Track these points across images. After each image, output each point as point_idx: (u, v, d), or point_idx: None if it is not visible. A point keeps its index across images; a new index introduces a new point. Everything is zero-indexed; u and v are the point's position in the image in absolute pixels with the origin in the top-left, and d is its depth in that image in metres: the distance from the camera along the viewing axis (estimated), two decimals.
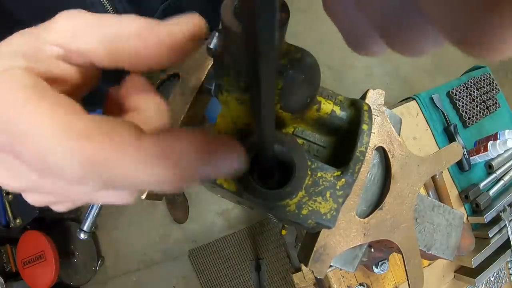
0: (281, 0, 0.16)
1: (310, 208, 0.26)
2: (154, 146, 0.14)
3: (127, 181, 0.14)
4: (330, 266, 0.39)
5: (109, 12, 0.43)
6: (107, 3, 0.43)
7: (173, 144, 0.14)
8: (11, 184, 0.16)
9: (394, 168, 0.42)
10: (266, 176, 0.24)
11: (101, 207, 0.46)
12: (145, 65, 0.17)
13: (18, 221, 1.47)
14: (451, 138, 1.12)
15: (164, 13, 0.51)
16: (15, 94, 0.14)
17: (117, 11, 0.44)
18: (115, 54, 0.17)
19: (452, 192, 1.10)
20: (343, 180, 0.27)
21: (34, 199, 0.19)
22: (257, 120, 0.15)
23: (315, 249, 0.37)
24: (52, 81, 0.16)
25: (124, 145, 0.13)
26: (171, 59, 0.17)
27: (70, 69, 0.17)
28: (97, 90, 0.19)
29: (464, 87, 1.19)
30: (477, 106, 1.19)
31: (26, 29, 0.17)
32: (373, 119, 0.41)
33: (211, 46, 0.23)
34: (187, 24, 0.17)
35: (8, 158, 0.15)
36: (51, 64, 0.16)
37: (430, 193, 1.06)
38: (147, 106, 0.18)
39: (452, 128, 1.11)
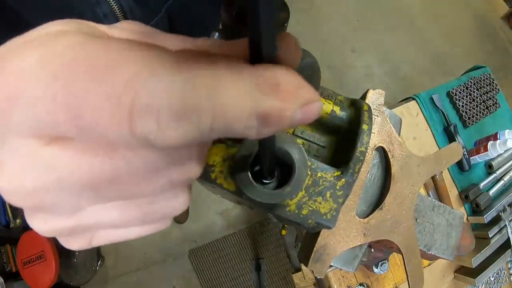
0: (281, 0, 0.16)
1: (310, 208, 0.26)
2: (264, 75, 0.12)
3: (237, 112, 0.11)
4: (330, 266, 0.39)
5: (114, 9, 0.43)
6: (113, 1, 0.42)
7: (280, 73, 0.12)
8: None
9: (394, 168, 0.42)
10: (266, 176, 0.24)
11: None
12: None
13: (18, 221, 1.47)
14: (451, 138, 1.12)
15: (168, 12, 0.51)
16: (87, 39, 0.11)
17: (122, 8, 0.44)
18: None
19: (452, 192, 1.10)
20: (343, 180, 0.27)
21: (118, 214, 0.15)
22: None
23: (315, 249, 0.37)
24: None
25: (231, 70, 0.11)
26: None
27: None
28: None
29: (464, 87, 1.19)
30: (477, 106, 1.19)
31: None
32: (373, 119, 0.41)
33: None
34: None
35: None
36: None
37: (430, 193, 1.06)
38: None
39: (452, 128, 1.11)
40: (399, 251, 0.43)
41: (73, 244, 0.17)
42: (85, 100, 0.10)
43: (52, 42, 0.11)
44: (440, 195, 1.07)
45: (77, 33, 0.12)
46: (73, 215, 0.15)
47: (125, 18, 0.45)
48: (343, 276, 0.94)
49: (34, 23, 0.13)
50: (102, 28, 0.15)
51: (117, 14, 0.44)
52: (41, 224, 0.15)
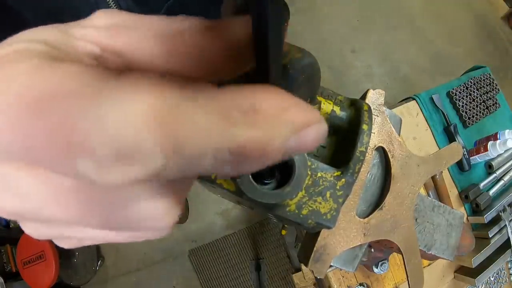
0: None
1: (310, 208, 0.26)
2: (232, 99, 0.10)
3: (199, 149, 0.09)
4: (330, 266, 0.39)
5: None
6: (112, 1, 0.43)
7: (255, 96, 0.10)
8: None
9: (394, 168, 0.42)
10: (266, 176, 0.24)
11: None
12: (211, 70, 0.13)
13: None
14: (451, 138, 1.12)
15: (168, 12, 0.51)
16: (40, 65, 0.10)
17: (121, 8, 0.44)
18: (172, 52, 0.13)
19: (452, 192, 1.10)
20: (343, 180, 0.27)
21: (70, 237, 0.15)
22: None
23: (315, 249, 0.37)
24: None
25: (196, 96, 0.10)
26: (242, 61, 0.13)
27: None
28: None
29: (464, 87, 1.19)
30: (477, 106, 1.19)
31: (51, 25, 0.13)
32: (373, 119, 0.41)
33: None
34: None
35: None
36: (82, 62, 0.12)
37: (430, 193, 1.06)
38: None
39: (452, 128, 1.11)
40: (399, 251, 0.43)
41: (64, 244, 0.17)
42: (30, 135, 0.09)
43: (10, 66, 0.11)
44: (440, 195, 1.07)
45: (36, 55, 0.11)
46: (56, 227, 0.15)
47: None
48: (343, 276, 0.94)
49: (35, 23, 0.13)
50: (76, 31, 0.14)
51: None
52: (31, 231, 0.15)
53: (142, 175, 0.10)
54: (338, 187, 0.27)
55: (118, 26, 0.14)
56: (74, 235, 0.15)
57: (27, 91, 0.10)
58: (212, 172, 0.10)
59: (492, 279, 1.07)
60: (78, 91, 0.09)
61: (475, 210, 1.08)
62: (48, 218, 0.12)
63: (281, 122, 0.10)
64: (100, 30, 0.14)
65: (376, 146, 0.41)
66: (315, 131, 0.11)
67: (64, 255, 1.60)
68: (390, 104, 1.20)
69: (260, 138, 0.10)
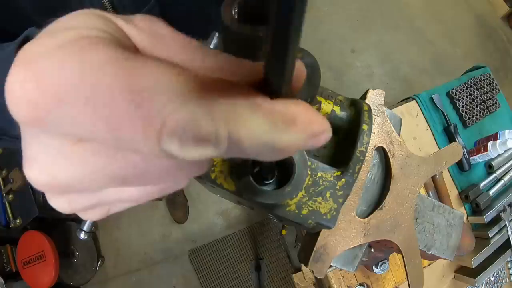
0: None
1: (310, 208, 0.26)
2: (279, 111, 0.13)
3: (252, 144, 0.13)
4: (330, 266, 0.39)
5: (107, 8, 0.43)
6: (107, 1, 0.42)
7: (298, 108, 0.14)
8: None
9: (394, 168, 0.42)
10: (266, 176, 0.24)
11: None
12: None
13: (18, 221, 1.47)
14: (451, 138, 1.12)
15: (159, 1, 0.50)
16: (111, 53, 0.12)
17: (114, 6, 0.43)
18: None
19: (452, 192, 1.10)
20: (343, 180, 0.27)
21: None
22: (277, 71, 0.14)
23: (315, 249, 0.37)
24: None
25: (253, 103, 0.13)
26: None
27: None
28: None
29: (464, 87, 1.19)
30: (477, 106, 1.19)
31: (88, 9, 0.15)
32: (373, 119, 0.41)
33: (211, 46, 0.23)
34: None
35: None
36: None
37: (430, 193, 1.06)
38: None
39: (452, 128, 1.11)
40: (399, 251, 0.43)
41: (91, 216, 0.18)
42: (123, 118, 0.12)
43: (87, 53, 0.12)
44: (440, 195, 1.07)
45: (109, 44, 0.13)
46: (96, 194, 0.16)
47: (112, 6, 0.44)
48: (343, 276, 0.94)
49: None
50: (124, 28, 0.15)
51: (104, 1, 0.43)
52: (64, 205, 0.16)
53: (210, 155, 0.13)
54: (338, 187, 0.27)
55: (159, 36, 0.16)
56: (110, 198, 0.17)
57: (121, 83, 0.12)
58: (251, 157, 0.14)
59: (492, 279, 1.07)
60: (169, 88, 0.12)
61: (475, 210, 1.08)
62: (105, 179, 0.14)
63: (308, 130, 0.14)
64: (142, 33, 0.15)
65: (376, 146, 0.41)
66: (324, 138, 0.14)
67: (64, 255, 1.60)
68: (390, 104, 1.20)
69: (294, 141, 0.13)
